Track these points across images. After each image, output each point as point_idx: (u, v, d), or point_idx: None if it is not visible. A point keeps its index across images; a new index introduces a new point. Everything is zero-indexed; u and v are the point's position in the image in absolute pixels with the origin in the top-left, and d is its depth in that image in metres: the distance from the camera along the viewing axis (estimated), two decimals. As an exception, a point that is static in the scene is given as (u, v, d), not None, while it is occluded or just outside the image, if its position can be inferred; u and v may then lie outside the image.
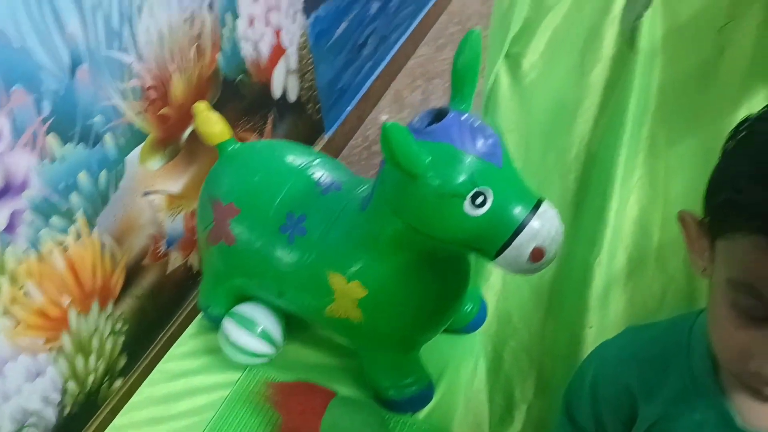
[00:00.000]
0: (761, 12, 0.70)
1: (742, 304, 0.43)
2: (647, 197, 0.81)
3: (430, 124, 0.66)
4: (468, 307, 0.92)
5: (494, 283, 0.99)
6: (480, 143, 0.64)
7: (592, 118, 0.83)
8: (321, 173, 0.85)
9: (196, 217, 0.95)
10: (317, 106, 1.71)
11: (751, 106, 0.74)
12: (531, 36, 0.79)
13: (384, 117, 1.97)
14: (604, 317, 0.87)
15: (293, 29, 1.54)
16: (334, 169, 0.87)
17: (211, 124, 0.88)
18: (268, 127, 1.51)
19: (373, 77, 1.96)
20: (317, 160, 0.87)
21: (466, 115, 0.66)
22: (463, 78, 0.67)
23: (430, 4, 2.24)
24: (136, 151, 1.12)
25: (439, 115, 0.67)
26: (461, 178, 0.63)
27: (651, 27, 0.74)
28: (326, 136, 1.77)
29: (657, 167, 0.80)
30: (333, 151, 1.82)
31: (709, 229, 0.47)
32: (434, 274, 0.76)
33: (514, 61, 0.81)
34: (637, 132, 0.79)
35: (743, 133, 0.46)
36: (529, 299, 0.97)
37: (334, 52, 1.74)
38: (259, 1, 1.39)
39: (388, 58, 2.04)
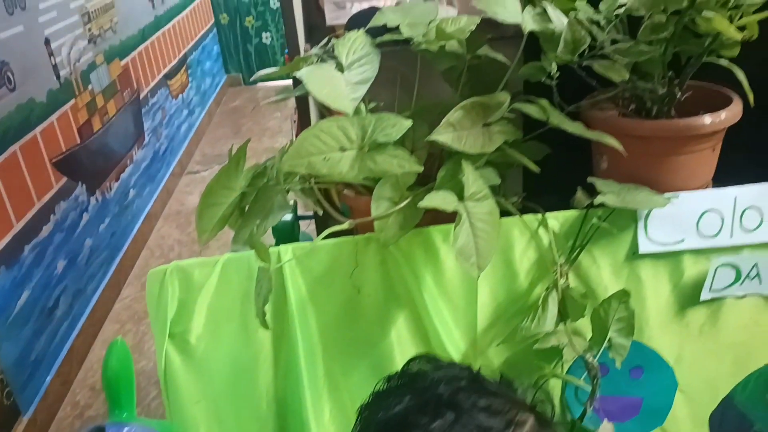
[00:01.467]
0: (377, 254, 0.83)
1: None
2: (344, 427, 0.86)
3: (88, 447, 0.62)
4: None
5: None
6: (145, 456, 0.62)
7: (270, 370, 0.87)
8: None
9: None
10: (6, 390, 1.51)
11: (398, 327, 0.85)
12: (190, 314, 0.82)
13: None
14: None
15: (-42, 318, 1.38)
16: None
17: None
18: (-61, 438, 1.28)
19: (73, 336, 1.82)
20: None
21: (126, 428, 0.63)
22: (116, 388, 0.65)
23: (126, 245, 2.21)
24: None
25: (97, 433, 0.64)
26: (130, 502, 0.59)
27: (294, 284, 0.82)
28: (25, 418, 1.56)
29: (342, 398, 0.86)
30: (38, 431, 1.59)
31: None
32: None
33: (179, 339, 0.83)
34: (314, 372, 0.85)
35: (366, 413, 0.56)
36: None
37: (19, 325, 1.59)
38: None
39: (88, 311, 1.92)
